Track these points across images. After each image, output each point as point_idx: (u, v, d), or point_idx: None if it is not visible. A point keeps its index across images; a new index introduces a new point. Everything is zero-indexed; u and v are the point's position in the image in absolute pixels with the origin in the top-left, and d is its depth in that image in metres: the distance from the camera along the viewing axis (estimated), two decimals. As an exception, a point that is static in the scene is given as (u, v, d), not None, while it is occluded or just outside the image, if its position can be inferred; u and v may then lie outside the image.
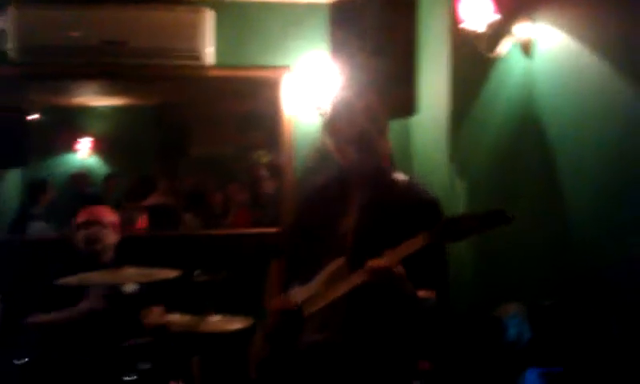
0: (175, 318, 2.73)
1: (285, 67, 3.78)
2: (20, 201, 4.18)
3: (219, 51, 3.71)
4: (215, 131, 4.45)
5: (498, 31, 2.76)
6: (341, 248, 1.98)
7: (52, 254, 3.09)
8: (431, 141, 3.38)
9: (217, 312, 2.71)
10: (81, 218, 2.99)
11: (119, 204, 4.01)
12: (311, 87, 3.70)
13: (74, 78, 3.96)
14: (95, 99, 4.42)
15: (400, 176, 2.07)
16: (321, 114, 2.17)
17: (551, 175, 2.58)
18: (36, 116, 4.24)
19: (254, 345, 2.17)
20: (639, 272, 2.16)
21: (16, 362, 2.56)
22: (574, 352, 2.27)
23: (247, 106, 4.19)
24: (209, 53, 3.63)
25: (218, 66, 3.74)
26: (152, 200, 4.10)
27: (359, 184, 2.04)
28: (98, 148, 4.54)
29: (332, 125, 2.04)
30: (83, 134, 4.51)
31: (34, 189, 4.18)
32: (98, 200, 4.01)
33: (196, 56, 3.59)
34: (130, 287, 2.91)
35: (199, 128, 4.50)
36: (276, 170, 4.03)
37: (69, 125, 4.54)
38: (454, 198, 3.06)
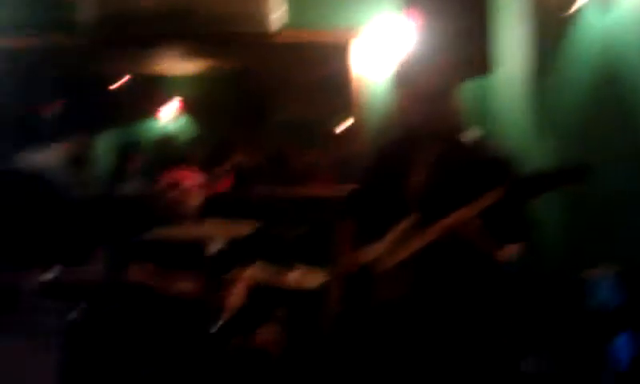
0: (258, 269, 2.84)
1: (355, 29, 3.74)
2: (114, 162, 4.41)
3: (289, 16, 3.72)
4: (292, 96, 4.51)
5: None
6: (411, 206, 1.98)
7: (142, 211, 3.27)
8: (510, 100, 3.32)
9: (299, 266, 2.80)
10: (165, 180, 3.14)
11: (203, 166, 4.16)
12: (382, 49, 3.67)
13: (150, 46, 4.09)
14: (179, 65, 4.56)
15: (471, 133, 2.05)
16: (390, 72, 2.16)
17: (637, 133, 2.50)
18: (123, 83, 4.45)
19: (327, 302, 2.22)
20: None
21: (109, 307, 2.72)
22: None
23: (321, 70, 4.20)
24: (277, 18, 3.65)
25: (286, 30, 3.74)
26: (234, 161, 4.23)
27: (428, 141, 2.02)
28: (183, 113, 4.69)
29: (401, 81, 2.04)
30: (169, 99, 4.68)
31: (125, 151, 4.39)
32: (183, 162, 4.21)
33: (263, 21, 3.62)
34: (216, 246, 3.06)
35: (277, 93, 4.56)
36: (352, 133, 4.06)
37: (155, 90, 4.71)
38: (536, 157, 3.01)
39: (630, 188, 2.54)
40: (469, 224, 1.81)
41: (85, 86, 4.14)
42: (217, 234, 2.73)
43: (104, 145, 4.43)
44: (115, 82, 4.42)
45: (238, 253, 2.98)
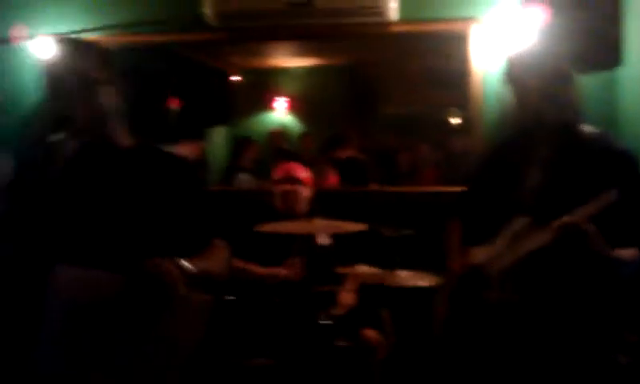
0: (364, 269, 2.83)
1: (473, 19, 3.60)
2: (227, 155, 4.54)
3: (403, 6, 3.63)
4: (403, 89, 4.45)
5: None
6: (525, 205, 1.92)
7: (255, 204, 3.33)
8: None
9: (404, 267, 2.76)
10: (278, 174, 3.18)
11: (313, 160, 4.20)
12: (501, 40, 3.53)
13: (266, 41, 4.14)
14: (290, 60, 4.64)
15: (589, 128, 1.95)
16: (505, 64, 2.10)
17: None
18: (236, 77, 4.58)
19: (437, 303, 2.19)
20: None
21: (227, 297, 2.81)
22: None
23: (435, 62, 4.10)
24: (392, 8, 3.57)
25: (402, 21, 3.66)
26: (344, 154, 4.23)
27: (544, 137, 1.95)
28: (293, 107, 4.77)
29: (514, 74, 1.98)
30: (280, 93, 4.77)
31: (239, 144, 4.53)
32: (294, 156, 4.26)
33: (380, 12, 3.55)
34: (323, 240, 3.08)
35: (388, 86, 4.52)
36: (466, 128, 3.94)
37: (267, 85, 4.82)
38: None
39: None
40: (585, 224, 1.72)
41: (205, 80, 4.29)
42: (324, 230, 2.74)
43: (219, 138, 4.59)
44: (231, 75, 4.56)
45: (346, 251, 2.98)
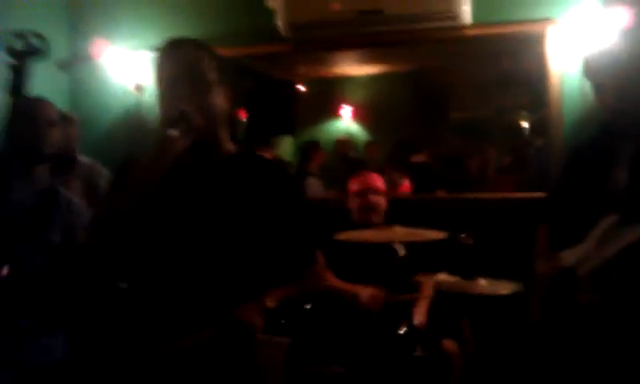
0: (443, 278, 2.79)
1: (549, 20, 3.52)
2: (295, 161, 4.58)
3: (476, 9, 3.59)
4: (474, 93, 4.37)
5: None
6: (613, 204, 1.90)
7: (328, 213, 3.32)
8: None
9: (483, 276, 2.71)
10: (354, 186, 3.16)
11: (381, 169, 4.18)
12: (580, 41, 3.43)
13: (335, 50, 4.18)
14: (356, 68, 4.63)
15: None
16: (583, 64, 2.07)
17: None
18: (302, 87, 4.60)
19: (528, 309, 2.15)
20: None
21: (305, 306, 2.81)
22: None
23: (506, 64, 4.02)
24: (465, 11, 3.54)
25: (476, 24, 3.62)
26: (416, 160, 4.19)
27: (628, 135, 1.92)
28: (359, 115, 4.75)
29: (594, 72, 1.93)
30: (346, 101, 4.77)
31: (307, 149, 4.54)
32: (361, 165, 4.26)
33: (453, 16, 3.51)
34: (400, 250, 3.04)
35: (457, 91, 4.45)
36: (540, 131, 3.85)
37: (333, 94, 4.83)
38: None
39: None
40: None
41: (271, 90, 4.34)
42: (403, 239, 2.71)
43: (285, 147, 4.63)
44: (297, 84, 4.59)
45: (424, 260, 2.95)
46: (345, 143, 4.76)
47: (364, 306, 2.83)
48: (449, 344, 2.87)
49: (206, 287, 1.68)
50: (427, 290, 2.94)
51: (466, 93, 4.40)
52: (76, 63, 3.60)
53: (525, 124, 4.11)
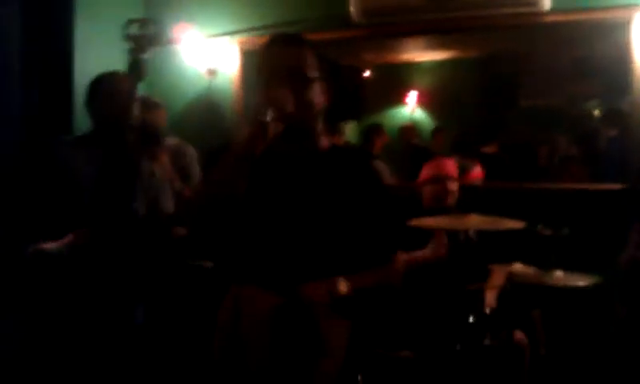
0: (518, 268, 2.75)
1: (635, 6, 3.40)
2: (358, 143, 4.57)
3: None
4: (545, 80, 4.26)
5: None
6: None
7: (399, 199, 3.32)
8: None
9: (560, 267, 2.66)
10: (428, 172, 3.14)
11: (449, 155, 4.13)
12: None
13: (406, 36, 4.15)
14: (422, 54, 4.57)
15: None
16: None
17: None
18: (368, 73, 4.59)
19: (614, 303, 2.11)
20: None
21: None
22: None
23: (582, 51, 3.91)
24: (548, -3, 3.45)
25: (556, 10, 3.53)
26: (488, 149, 4.14)
27: None
28: (425, 101, 4.71)
29: None
30: (411, 88, 4.72)
31: (370, 132, 4.53)
32: (427, 152, 4.23)
33: (533, 2, 3.44)
34: (471, 234, 3.02)
35: (528, 78, 4.35)
36: (613, 121, 3.73)
37: (398, 80, 4.79)
38: None
39: None
40: None
41: (338, 76, 4.34)
42: (479, 227, 2.69)
43: (350, 133, 4.63)
44: (363, 70, 4.58)
45: (499, 249, 2.92)
46: (409, 130, 4.72)
47: (434, 258, 2.84)
48: (519, 335, 2.85)
49: (294, 272, 1.72)
50: (498, 279, 2.91)
51: (537, 80, 4.30)
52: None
53: (596, 113, 4.00)
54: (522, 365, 2.80)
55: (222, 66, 4.15)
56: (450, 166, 3.13)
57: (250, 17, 4.00)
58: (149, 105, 2.99)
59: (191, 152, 3.17)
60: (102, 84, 2.63)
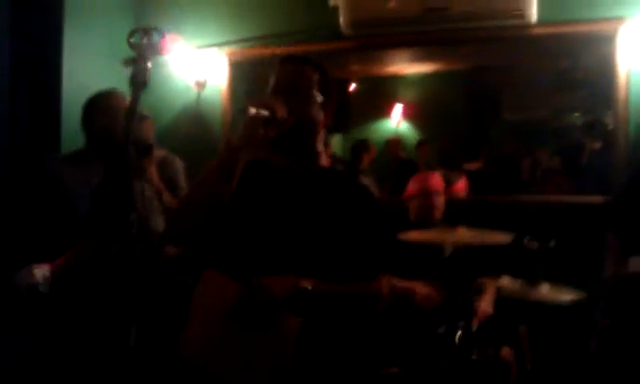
0: (506, 282, 2.78)
1: (620, 19, 3.45)
2: (347, 158, 4.58)
3: (542, 6, 3.53)
4: (529, 94, 4.31)
5: None
6: None
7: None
8: None
9: (546, 281, 2.69)
10: (415, 186, 3.17)
11: (434, 168, 4.16)
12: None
13: (393, 48, 4.17)
14: (408, 67, 4.58)
15: None
16: None
17: None
18: (355, 85, 4.61)
19: (596, 315, 2.14)
20: None
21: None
22: None
23: (565, 64, 3.95)
24: (533, 9, 3.48)
25: (542, 23, 3.57)
26: (472, 166, 4.17)
27: None
28: (410, 114, 4.73)
29: None
30: (396, 100, 4.75)
31: (358, 147, 4.55)
32: (412, 165, 4.26)
33: (520, 14, 3.46)
34: (448, 250, 3.04)
35: (513, 90, 4.39)
36: (596, 134, 3.79)
37: (384, 93, 4.80)
38: None
39: None
40: None
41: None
42: (467, 240, 2.71)
43: (335, 146, 4.64)
44: (349, 82, 4.60)
45: (487, 262, 2.94)
46: (395, 144, 4.74)
47: (418, 305, 2.82)
48: (505, 351, 2.87)
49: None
50: (490, 291, 2.94)
51: (521, 93, 4.34)
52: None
53: (579, 126, 4.05)
54: (508, 380, 2.82)
55: (210, 77, 4.15)
56: (436, 179, 3.16)
57: (238, 28, 4.00)
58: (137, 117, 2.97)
59: (178, 164, 3.16)
60: (96, 101, 2.65)
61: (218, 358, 1.68)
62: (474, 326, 2.78)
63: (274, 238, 1.75)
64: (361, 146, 4.56)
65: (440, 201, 3.10)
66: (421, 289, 2.82)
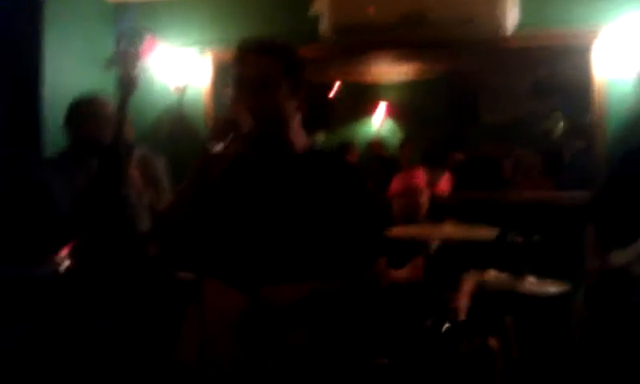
0: (491, 276, 2.81)
1: (596, 30, 3.55)
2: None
3: (520, 17, 3.60)
4: (508, 97, 4.37)
5: None
6: None
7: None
8: None
9: (531, 274, 2.72)
10: (397, 185, 3.20)
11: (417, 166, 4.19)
12: (628, 51, 3.45)
13: (374, 53, 4.22)
14: (389, 71, 4.64)
15: None
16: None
17: None
18: (336, 89, 4.64)
19: (574, 307, 2.17)
20: None
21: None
22: None
23: (542, 72, 4.03)
24: (510, 19, 3.53)
25: (520, 33, 3.63)
26: (453, 162, 4.22)
27: None
28: (392, 116, 4.77)
29: None
30: (378, 103, 4.79)
31: (341, 149, 4.58)
32: (395, 164, 4.29)
33: (497, 24, 3.51)
34: (434, 246, 3.07)
35: (491, 95, 4.45)
36: (577, 135, 3.87)
37: (365, 95, 4.84)
38: None
39: None
40: None
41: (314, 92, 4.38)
42: (454, 235, 2.74)
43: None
44: (330, 85, 4.63)
45: (473, 257, 2.97)
46: (377, 145, 4.78)
47: (407, 280, 2.88)
48: (492, 342, 2.90)
49: (271, 277, 1.70)
50: (467, 286, 2.97)
51: (500, 97, 4.40)
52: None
53: (559, 127, 4.12)
54: (494, 372, 2.84)
55: (192, 79, 4.14)
56: (420, 177, 3.19)
57: (220, 31, 4.00)
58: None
59: (160, 162, 3.15)
60: (80, 106, 2.65)
61: (218, 366, 1.67)
62: (457, 319, 2.80)
63: (261, 230, 1.72)
64: (344, 149, 4.59)
65: (424, 199, 3.12)
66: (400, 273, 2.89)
